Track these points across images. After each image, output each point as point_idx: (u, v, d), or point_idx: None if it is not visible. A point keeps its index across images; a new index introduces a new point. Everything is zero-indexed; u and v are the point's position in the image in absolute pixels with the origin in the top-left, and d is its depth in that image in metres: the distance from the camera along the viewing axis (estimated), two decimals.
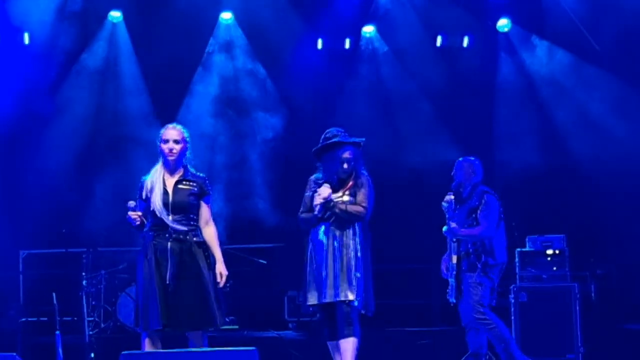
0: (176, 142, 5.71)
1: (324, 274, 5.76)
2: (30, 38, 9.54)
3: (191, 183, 5.69)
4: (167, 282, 5.52)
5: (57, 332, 7.58)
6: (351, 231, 5.81)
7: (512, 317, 7.82)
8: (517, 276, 8.03)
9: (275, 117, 9.92)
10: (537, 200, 9.51)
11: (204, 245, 5.68)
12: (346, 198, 5.81)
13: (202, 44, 9.94)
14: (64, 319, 8.09)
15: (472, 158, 6.93)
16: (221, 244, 9.42)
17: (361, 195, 5.81)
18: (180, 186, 5.66)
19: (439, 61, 9.89)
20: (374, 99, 9.89)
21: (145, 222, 5.66)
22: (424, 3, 9.67)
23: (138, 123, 9.43)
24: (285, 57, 9.81)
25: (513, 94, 9.93)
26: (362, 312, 5.78)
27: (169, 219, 5.58)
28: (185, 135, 5.77)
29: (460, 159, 6.96)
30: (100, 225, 8.67)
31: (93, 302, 8.64)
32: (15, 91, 9.36)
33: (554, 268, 8.01)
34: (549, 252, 8.04)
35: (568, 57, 9.72)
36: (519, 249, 8.10)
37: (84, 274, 8.26)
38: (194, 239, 5.65)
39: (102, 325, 8.62)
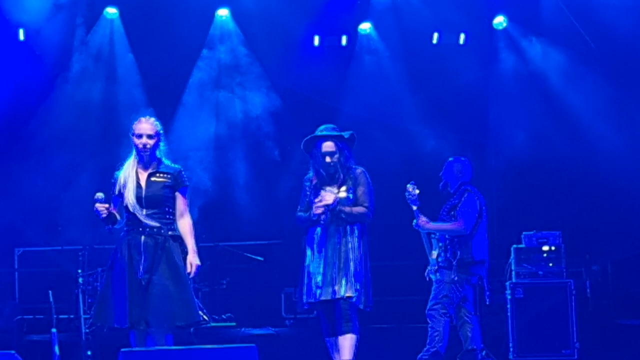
0: (149, 137, 5.57)
1: (321, 270, 5.74)
2: (26, 34, 9.52)
3: (165, 175, 5.56)
4: (140, 277, 5.39)
5: (53, 329, 7.56)
6: (349, 227, 5.80)
7: (509, 314, 7.84)
8: (513, 272, 8.04)
9: (271, 114, 9.92)
10: (532, 197, 9.53)
11: (179, 239, 5.54)
12: (343, 194, 5.77)
13: (199, 41, 9.92)
14: (60, 316, 8.08)
15: (463, 158, 6.93)
16: (219, 241, 9.51)
17: (362, 195, 5.79)
18: (153, 179, 5.54)
19: (435, 58, 9.89)
20: (371, 95, 9.88)
21: (118, 216, 5.53)
22: (420, 0, 9.67)
23: (135, 119, 9.38)
24: (282, 54, 9.79)
25: (509, 90, 9.94)
26: (360, 307, 5.76)
27: (142, 214, 5.46)
28: (159, 128, 5.64)
29: (451, 159, 6.95)
30: (97, 222, 8.64)
31: (89, 300, 8.61)
32: (11, 88, 9.33)
33: (550, 264, 8.03)
34: (545, 248, 8.05)
35: (563, 55, 9.74)
36: (514, 246, 8.11)
37: (80, 271, 8.23)
38: (169, 232, 5.51)
39: (92, 320, 8.59)
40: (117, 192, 5.57)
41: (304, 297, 5.84)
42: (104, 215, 5.46)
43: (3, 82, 9.38)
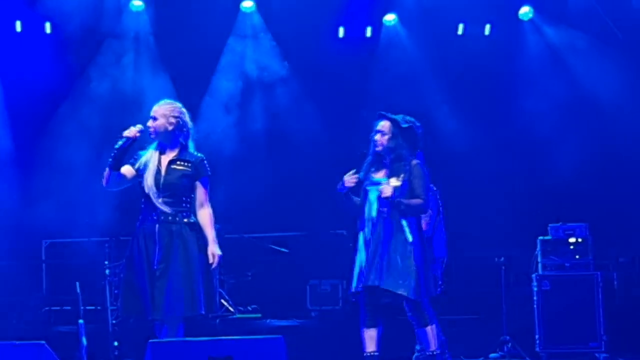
0: (153, 118, 5.46)
1: (371, 260, 5.68)
2: (52, 27, 9.58)
3: (186, 163, 5.44)
4: (155, 268, 5.33)
5: (81, 321, 7.63)
6: (402, 220, 5.72)
7: (535, 306, 7.81)
8: (540, 264, 8.00)
9: (296, 106, 9.92)
10: (558, 188, 9.46)
11: (196, 227, 5.43)
12: (395, 182, 5.72)
13: (224, 33, 9.93)
14: (87, 307, 8.13)
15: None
16: (244, 233, 9.53)
17: (418, 188, 5.73)
18: (173, 166, 5.42)
19: (460, 49, 9.84)
20: (395, 87, 9.84)
21: (127, 174, 5.42)
22: None
23: None
24: (307, 46, 9.78)
25: (535, 82, 9.86)
26: (415, 299, 5.67)
27: (158, 201, 5.35)
28: (168, 112, 5.47)
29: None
30: (123, 214, 8.69)
31: (116, 291, 8.64)
32: (37, 81, 9.39)
33: (577, 256, 7.98)
34: (572, 240, 8.00)
35: (590, 45, 9.65)
36: (541, 237, 8.07)
37: (106, 263, 8.27)
38: (184, 220, 5.41)
39: (120, 314, 8.63)
40: (135, 167, 5.49)
41: (353, 284, 5.78)
42: (131, 136, 5.31)
43: (30, 75, 9.44)
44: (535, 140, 9.80)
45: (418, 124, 5.94)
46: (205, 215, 5.48)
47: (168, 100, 5.61)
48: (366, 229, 5.77)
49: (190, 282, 5.33)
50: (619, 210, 9.37)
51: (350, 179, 5.81)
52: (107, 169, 5.42)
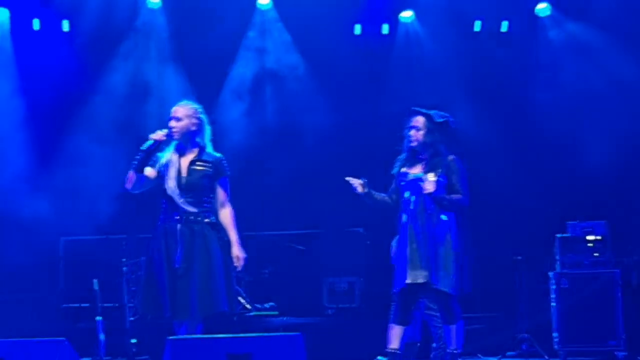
0: (177, 119, 5.51)
1: (418, 257, 5.68)
2: (70, 25, 9.61)
3: (206, 164, 5.52)
4: (176, 267, 5.37)
5: (99, 318, 7.67)
6: (442, 214, 5.72)
7: (553, 304, 7.77)
8: (558, 262, 7.96)
9: (312, 103, 9.91)
10: (577, 186, 9.41)
11: (217, 227, 5.51)
12: (432, 177, 5.71)
13: (240, 30, 9.93)
14: (105, 305, 8.15)
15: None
16: (260, 231, 9.52)
17: (457, 183, 5.73)
18: (193, 167, 5.49)
19: (477, 46, 9.80)
20: (412, 84, 9.82)
21: (151, 174, 5.49)
22: None
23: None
24: (323, 43, 9.76)
25: (553, 78, 9.81)
26: (453, 293, 5.68)
27: (180, 201, 5.42)
28: (190, 113, 5.55)
29: None
30: (141, 212, 8.71)
31: (133, 288, 8.67)
32: (55, 79, 9.42)
33: (595, 254, 7.93)
34: (590, 238, 7.96)
35: (610, 42, 9.58)
36: (559, 235, 8.03)
37: (124, 260, 8.30)
38: (206, 220, 5.48)
39: (140, 312, 8.66)
40: (156, 170, 5.55)
41: (399, 282, 5.77)
42: (158, 138, 5.37)
43: (48, 73, 9.47)
44: (552, 137, 9.74)
45: (452, 118, 5.91)
46: (227, 215, 5.55)
47: (188, 101, 5.67)
48: (405, 226, 5.76)
49: (212, 281, 5.39)
50: (638, 207, 9.31)
51: (356, 184, 5.78)
52: (131, 172, 5.49)
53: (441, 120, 5.82)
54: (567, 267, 7.93)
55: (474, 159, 9.53)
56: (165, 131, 5.45)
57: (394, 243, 6.49)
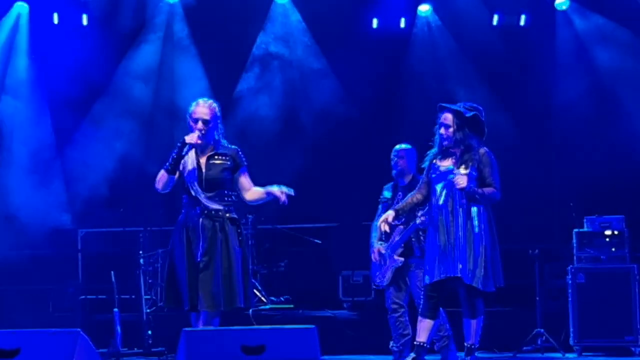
0: (205, 122, 5.50)
1: (449, 251, 5.68)
2: (89, 19, 9.66)
3: (224, 157, 5.54)
4: (198, 260, 5.42)
5: (116, 309, 7.72)
6: (473, 208, 5.71)
7: (570, 299, 7.74)
8: (575, 257, 7.92)
9: (330, 98, 9.90)
10: (595, 181, 9.35)
11: (237, 222, 5.56)
12: (463, 171, 5.70)
13: (257, 24, 9.93)
14: (122, 296, 8.21)
15: (410, 147, 6.74)
16: (277, 224, 9.54)
17: (489, 178, 5.72)
18: (212, 162, 5.52)
19: (495, 40, 9.75)
20: (430, 78, 9.80)
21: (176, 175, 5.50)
22: None
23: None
24: (341, 37, 9.76)
25: (571, 72, 9.75)
26: (481, 288, 5.66)
27: (202, 197, 5.45)
28: (216, 111, 5.57)
29: (407, 146, 6.73)
30: (158, 204, 8.76)
31: (150, 280, 8.74)
32: (75, 73, 9.47)
33: (613, 249, 7.89)
34: (608, 232, 7.91)
35: (628, 36, 9.51)
36: (576, 230, 7.99)
37: (141, 252, 8.34)
38: (227, 215, 5.51)
39: (159, 303, 8.73)
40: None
41: (430, 275, 5.78)
42: (193, 142, 5.38)
43: (68, 67, 9.53)
44: (571, 132, 9.69)
45: (480, 108, 5.89)
46: (254, 192, 5.63)
47: (207, 99, 5.66)
48: (436, 220, 5.76)
49: (231, 276, 5.43)
50: None
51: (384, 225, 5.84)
52: (163, 173, 5.51)
53: (470, 114, 5.78)
54: (584, 262, 7.89)
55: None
56: (197, 133, 5.46)
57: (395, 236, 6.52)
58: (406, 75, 9.89)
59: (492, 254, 5.73)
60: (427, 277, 5.81)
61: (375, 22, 9.91)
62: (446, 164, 5.81)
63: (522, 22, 9.81)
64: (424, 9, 9.91)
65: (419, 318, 5.86)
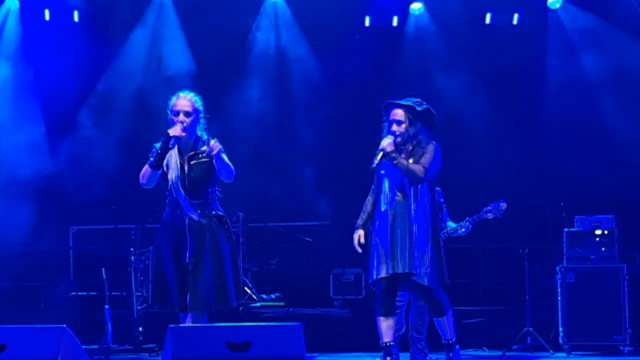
0: (187, 114, 5.38)
1: (388, 246, 5.64)
2: (80, 16, 9.65)
3: (204, 155, 5.39)
4: (186, 262, 5.35)
5: (106, 306, 7.73)
6: (414, 201, 5.65)
7: (560, 298, 7.75)
8: (565, 256, 7.94)
9: (322, 95, 9.91)
10: (585, 180, 9.38)
11: (224, 219, 5.47)
12: (388, 140, 5.65)
13: (249, 22, 9.93)
14: (113, 293, 8.22)
15: None
16: (268, 222, 9.53)
17: (424, 158, 5.64)
18: (194, 162, 5.40)
19: (488, 39, 9.76)
20: (422, 77, 9.80)
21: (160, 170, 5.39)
22: None
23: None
24: (332, 34, 9.75)
25: (563, 72, 9.77)
26: (427, 285, 5.62)
27: (186, 198, 5.36)
28: (198, 104, 5.46)
29: None
30: (149, 202, 8.76)
31: (141, 278, 8.74)
32: (67, 69, 9.46)
33: (603, 249, 7.90)
34: (598, 232, 7.93)
35: (622, 35, 9.53)
36: (566, 229, 8.00)
37: (132, 249, 8.35)
38: (213, 212, 5.43)
39: (150, 302, 8.73)
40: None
41: (373, 273, 5.72)
42: (178, 135, 5.26)
43: (59, 64, 9.52)
44: (562, 131, 9.70)
45: (428, 105, 5.82)
46: None
47: (187, 92, 5.55)
48: (382, 216, 5.71)
49: (222, 276, 5.38)
50: None
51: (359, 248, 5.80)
52: (147, 168, 5.41)
53: (422, 108, 5.73)
54: (574, 261, 7.91)
55: (482, 152, 9.61)
56: (180, 126, 5.35)
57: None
58: (398, 73, 9.88)
59: (438, 250, 5.66)
60: (374, 275, 5.70)
61: (367, 20, 9.92)
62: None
63: (514, 21, 9.82)
64: (416, 7, 9.91)
65: (379, 318, 5.79)
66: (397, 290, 5.79)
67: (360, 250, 5.86)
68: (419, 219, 5.64)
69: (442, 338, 5.87)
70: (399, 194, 5.68)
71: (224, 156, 5.38)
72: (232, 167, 5.42)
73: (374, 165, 5.68)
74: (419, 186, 5.67)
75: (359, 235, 5.86)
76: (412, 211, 5.64)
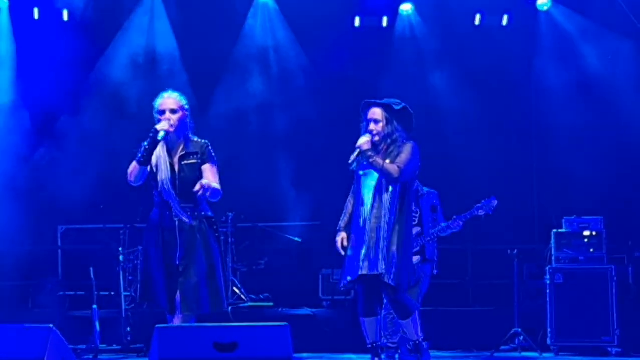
0: (173, 111, 5.31)
1: (362, 247, 5.60)
2: (70, 15, 9.62)
3: (195, 155, 5.36)
4: (177, 263, 5.29)
5: (94, 306, 7.70)
6: (390, 202, 5.60)
7: (548, 299, 7.77)
8: (553, 257, 7.96)
9: (311, 96, 9.91)
10: (574, 182, 9.41)
11: (213, 220, 5.43)
12: (365, 138, 5.63)
13: (239, 21, 9.93)
14: (101, 293, 8.19)
15: None
16: (257, 222, 9.52)
17: (399, 158, 5.59)
18: (184, 162, 5.34)
19: (477, 40, 9.78)
20: (411, 77, 9.81)
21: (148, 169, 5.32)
22: None
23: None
24: (323, 34, 9.76)
25: (553, 73, 9.80)
26: (393, 284, 5.53)
27: (177, 199, 5.30)
28: (183, 103, 5.39)
29: None
30: (138, 202, 8.73)
31: (130, 277, 8.71)
32: (56, 68, 9.44)
33: (591, 250, 7.93)
34: (586, 233, 7.95)
35: (609, 38, 9.57)
36: (555, 230, 8.03)
37: (121, 249, 8.33)
38: (202, 213, 5.38)
39: (138, 301, 8.71)
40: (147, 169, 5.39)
41: (347, 273, 5.67)
42: (166, 129, 5.20)
43: (49, 63, 9.49)
44: (551, 133, 9.74)
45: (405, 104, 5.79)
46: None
47: (172, 92, 5.48)
48: (358, 216, 5.68)
49: (214, 278, 5.34)
50: (635, 204, 9.31)
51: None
52: (135, 164, 5.33)
53: (399, 107, 5.70)
54: (563, 262, 7.93)
55: (471, 153, 9.63)
56: (167, 122, 5.28)
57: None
58: (388, 74, 9.89)
59: (405, 252, 5.59)
60: (350, 275, 5.64)
61: (357, 21, 9.92)
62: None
63: (504, 22, 9.84)
64: (406, 8, 9.92)
65: (362, 319, 5.75)
66: (378, 290, 5.75)
67: (343, 253, 5.83)
68: (390, 220, 5.59)
69: (409, 339, 5.85)
70: (375, 195, 5.64)
71: (213, 184, 5.33)
72: (220, 189, 5.39)
73: (351, 162, 5.66)
74: (395, 187, 5.63)
75: (342, 237, 5.83)
76: (385, 212, 5.60)
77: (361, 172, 5.75)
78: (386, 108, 5.70)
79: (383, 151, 5.67)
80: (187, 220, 5.33)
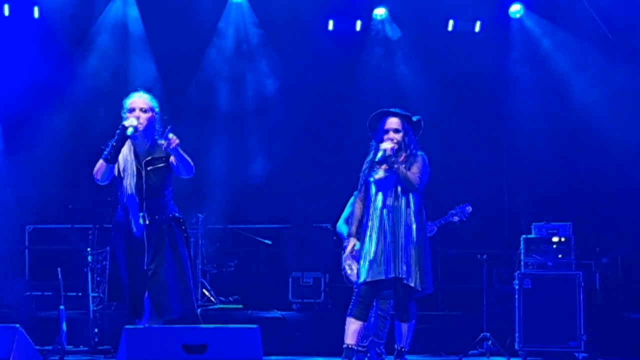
0: (143, 110, 5.22)
1: (387, 252, 5.68)
2: (40, 12, 9.53)
3: (161, 159, 5.26)
4: (145, 268, 5.22)
5: (61, 306, 7.63)
6: (405, 209, 5.73)
7: (516, 304, 7.81)
8: (522, 263, 8.00)
9: (284, 99, 9.90)
10: (544, 188, 9.49)
11: (181, 221, 5.37)
12: (388, 144, 5.72)
13: (212, 23, 9.89)
14: (69, 294, 8.11)
15: None
16: (227, 224, 9.48)
17: (415, 168, 5.74)
18: (151, 167, 5.24)
19: (450, 46, 9.83)
20: (384, 82, 9.84)
21: (115, 170, 5.21)
22: None
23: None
24: (296, 38, 9.76)
25: (524, 80, 9.88)
26: (419, 289, 5.66)
27: (143, 204, 5.21)
28: (154, 105, 5.31)
29: None
30: (107, 202, 8.67)
31: (98, 278, 8.64)
32: (26, 65, 9.34)
33: (559, 256, 7.98)
34: (555, 239, 8.00)
35: (580, 46, 9.66)
36: (524, 236, 8.07)
37: (89, 250, 8.25)
38: (170, 215, 5.31)
39: (106, 301, 8.64)
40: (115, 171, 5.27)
41: (362, 275, 5.73)
42: (135, 125, 5.08)
43: (19, 60, 9.39)
44: (521, 139, 9.81)
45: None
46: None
47: (142, 92, 5.40)
48: (372, 222, 5.76)
49: (184, 282, 5.29)
50: (602, 211, 9.41)
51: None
52: (102, 162, 5.23)
53: (416, 119, 5.86)
54: (531, 267, 7.97)
55: (441, 158, 9.65)
56: (135, 119, 5.17)
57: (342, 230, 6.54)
58: (361, 78, 9.91)
59: (428, 257, 5.76)
60: (362, 278, 5.74)
61: (331, 24, 9.93)
62: (383, 167, 5.81)
63: (477, 29, 9.90)
64: (379, 12, 9.94)
65: (350, 319, 5.79)
66: (375, 297, 5.82)
67: (350, 260, 5.91)
68: (408, 226, 5.71)
69: (396, 343, 5.88)
70: (389, 200, 5.74)
71: (182, 151, 5.22)
72: (191, 162, 5.27)
73: (377, 159, 5.72)
74: (410, 194, 5.75)
75: (353, 244, 5.92)
76: (403, 218, 5.71)
77: (371, 179, 5.83)
78: (404, 118, 5.83)
79: (401, 160, 5.77)
80: (153, 224, 5.24)
